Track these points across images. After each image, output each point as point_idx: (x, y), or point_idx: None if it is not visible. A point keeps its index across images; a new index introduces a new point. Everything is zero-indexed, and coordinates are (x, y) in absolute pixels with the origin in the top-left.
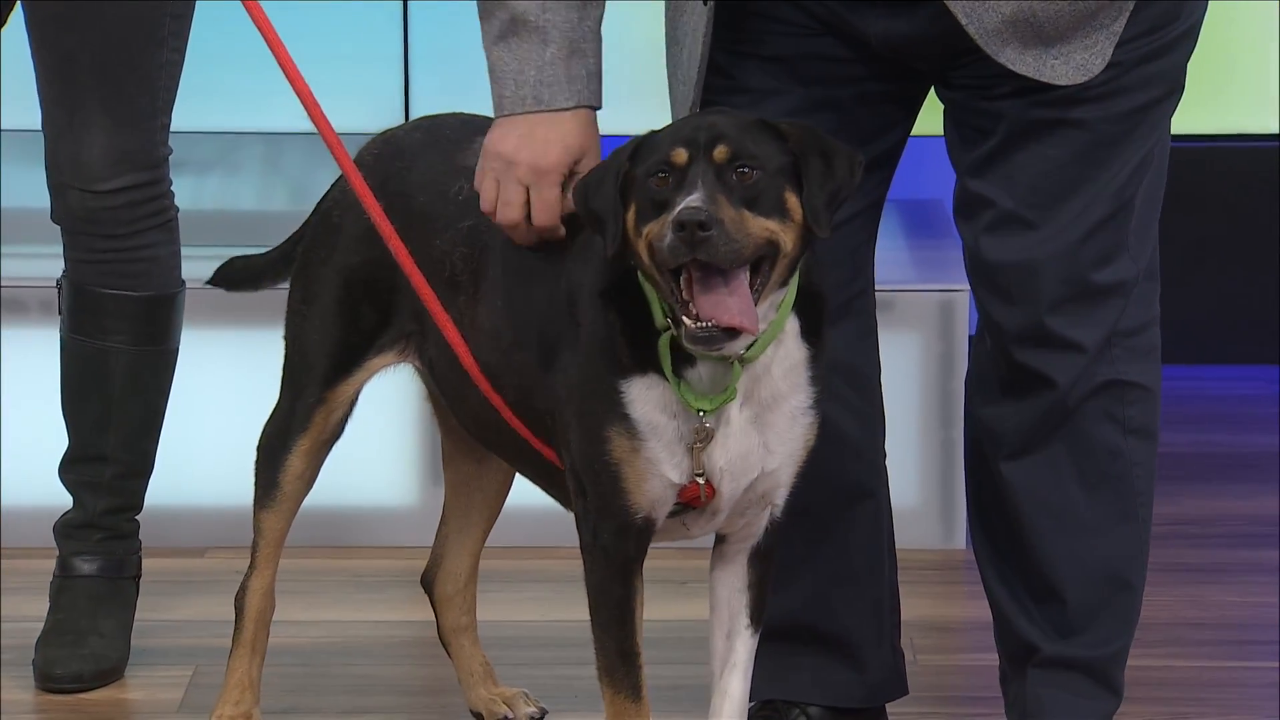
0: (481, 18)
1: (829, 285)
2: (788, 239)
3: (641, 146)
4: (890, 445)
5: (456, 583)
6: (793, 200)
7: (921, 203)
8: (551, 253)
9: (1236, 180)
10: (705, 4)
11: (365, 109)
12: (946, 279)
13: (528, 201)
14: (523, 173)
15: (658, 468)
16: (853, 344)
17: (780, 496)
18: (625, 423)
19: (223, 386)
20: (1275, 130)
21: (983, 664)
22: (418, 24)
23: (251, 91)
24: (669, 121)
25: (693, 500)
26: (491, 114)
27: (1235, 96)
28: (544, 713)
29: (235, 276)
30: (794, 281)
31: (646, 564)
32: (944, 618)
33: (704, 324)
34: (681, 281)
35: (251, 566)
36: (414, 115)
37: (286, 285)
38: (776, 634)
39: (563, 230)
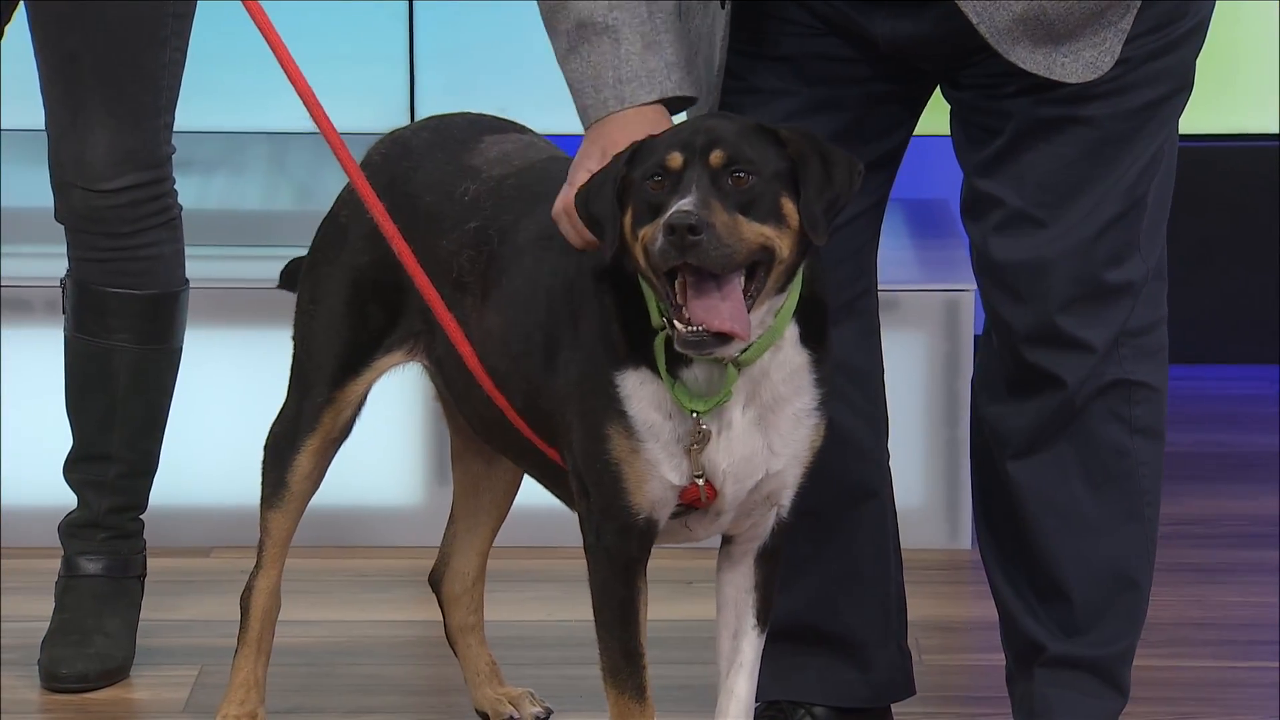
0: (549, 32)
1: (831, 291)
2: (783, 245)
3: (639, 151)
4: (896, 445)
5: (464, 582)
6: (789, 206)
7: (926, 202)
8: (554, 253)
9: (1237, 180)
10: (723, 8)
11: (370, 109)
12: (952, 278)
13: None
14: (593, 161)
15: (657, 469)
16: (856, 344)
17: (786, 498)
18: (623, 421)
19: (228, 386)
20: (1276, 130)
21: (989, 664)
22: (423, 23)
23: (257, 91)
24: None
25: (693, 502)
26: (496, 114)
27: (1236, 96)
28: (549, 712)
29: (297, 277)
30: (795, 288)
31: (652, 563)
32: (949, 617)
33: (695, 328)
34: (676, 285)
35: (257, 566)
36: (419, 115)
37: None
38: (781, 634)
39: None
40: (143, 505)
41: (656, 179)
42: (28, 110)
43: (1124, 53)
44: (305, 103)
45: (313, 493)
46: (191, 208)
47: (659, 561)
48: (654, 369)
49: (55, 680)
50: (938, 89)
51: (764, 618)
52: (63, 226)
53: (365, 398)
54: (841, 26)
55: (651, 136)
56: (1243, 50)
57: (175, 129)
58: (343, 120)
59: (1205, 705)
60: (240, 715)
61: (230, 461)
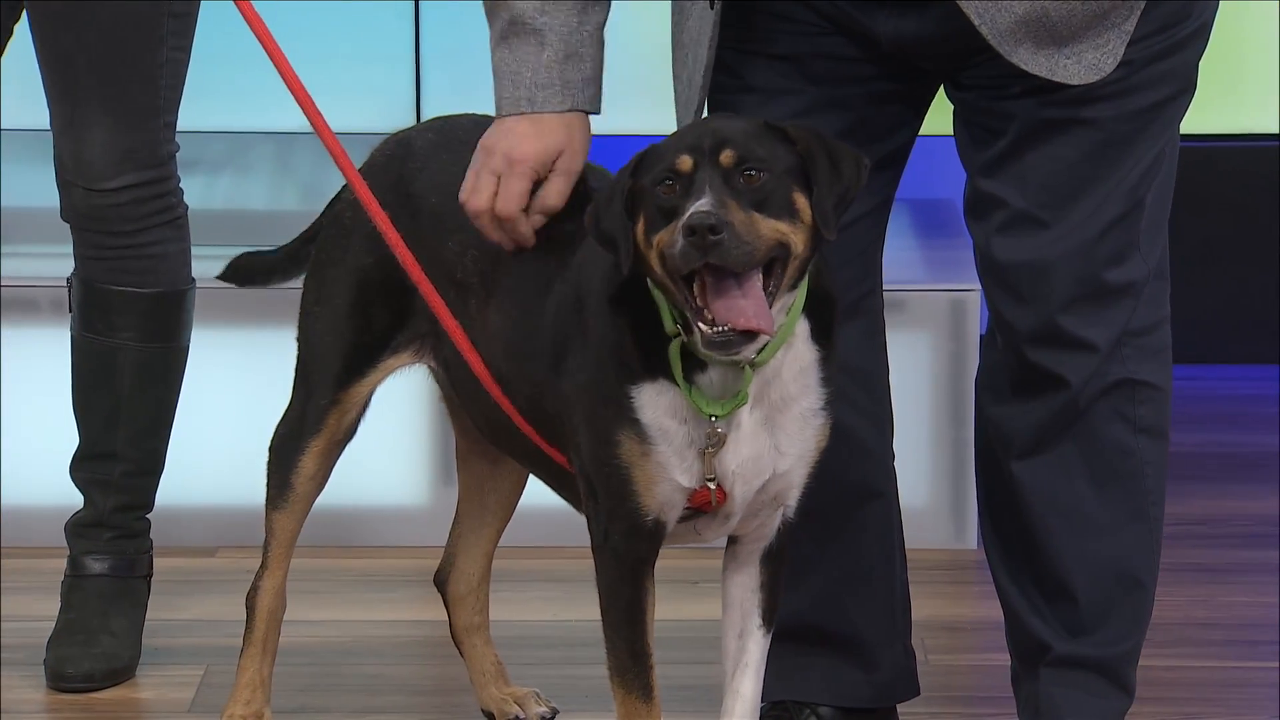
0: (488, 17)
1: (838, 286)
2: (799, 240)
3: (645, 158)
4: (901, 445)
5: (470, 582)
6: (802, 201)
7: (932, 202)
8: (560, 255)
9: (1239, 180)
10: (711, 8)
11: (376, 109)
12: (957, 279)
13: (498, 193)
14: (496, 162)
15: (667, 472)
16: (861, 344)
17: (793, 498)
18: (635, 427)
19: (234, 386)
20: (1277, 130)
21: (994, 664)
22: (429, 24)
23: (262, 91)
24: (674, 125)
25: (703, 506)
26: None
27: (1238, 96)
28: (555, 712)
29: (245, 272)
30: (803, 284)
31: (659, 563)
32: (955, 617)
33: (720, 329)
34: (695, 288)
35: (263, 566)
36: (425, 115)
37: (297, 284)
38: (786, 634)
39: (529, 232)
40: (148, 505)
41: (668, 183)
42: (28, 110)
43: (1127, 55)
44: (304, 109)
45: (318, 493)
46: (197, 208)
47: (664, 562)
48: (669, 378)
49: (61, 680)
50: (942, 89)
51: (769, 618)
52: (68, 225)
53: (370, 399)
54: (845, 25)
55: (655, 144)
56: (1244, 50)
57: (180, 129)
58: (348, 120)
59: (1210, 705)
60: (246, 715)
61: (235, 462)
